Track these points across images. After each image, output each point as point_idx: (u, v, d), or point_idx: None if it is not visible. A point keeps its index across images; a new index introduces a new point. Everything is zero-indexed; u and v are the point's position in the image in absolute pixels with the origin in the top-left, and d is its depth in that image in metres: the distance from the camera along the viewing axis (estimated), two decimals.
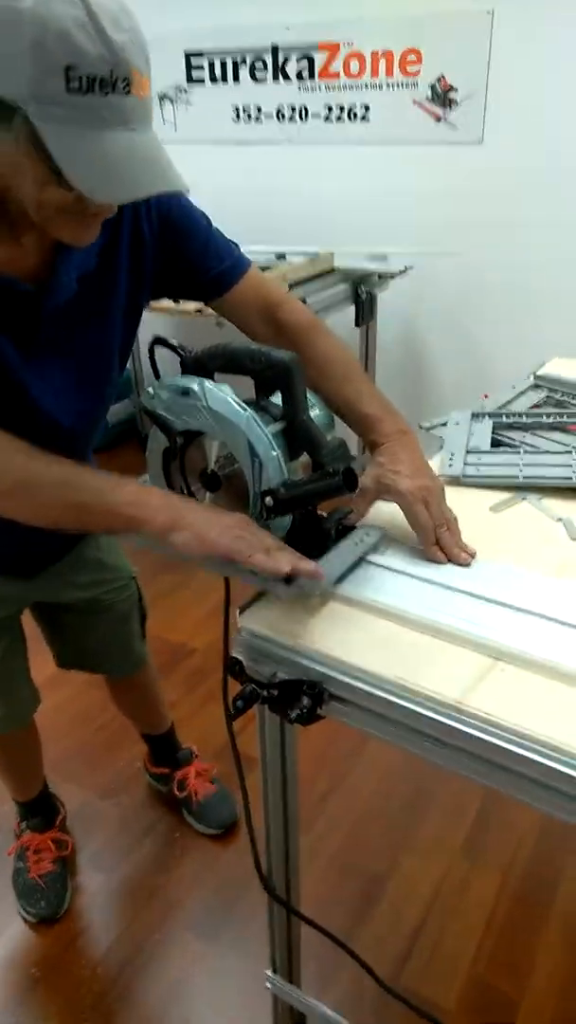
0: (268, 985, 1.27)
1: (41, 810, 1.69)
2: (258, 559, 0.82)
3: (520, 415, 1.28)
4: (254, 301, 1.07)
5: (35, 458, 0.87)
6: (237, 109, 2.94)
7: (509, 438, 1.23)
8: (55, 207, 0.78)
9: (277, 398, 0.89)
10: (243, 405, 0.84)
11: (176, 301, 2.31)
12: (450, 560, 0.94)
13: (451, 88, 2.51)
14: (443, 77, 2.51)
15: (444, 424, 1.27)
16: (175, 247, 1.02)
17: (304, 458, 0.89)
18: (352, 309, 2.69)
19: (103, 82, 0.71)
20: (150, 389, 0.90)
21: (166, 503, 0.86)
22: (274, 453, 0.84)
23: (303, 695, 0.81)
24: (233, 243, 1.08)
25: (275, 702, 0.84)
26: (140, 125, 0.75)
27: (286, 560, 0.82)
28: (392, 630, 0.85)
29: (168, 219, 1.01)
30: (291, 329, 1.06)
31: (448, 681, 0.77)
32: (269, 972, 1.26)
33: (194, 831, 1.75)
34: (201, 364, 0.90)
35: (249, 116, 2.93)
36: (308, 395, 0.89)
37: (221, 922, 1.57)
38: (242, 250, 1.09)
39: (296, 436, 0.87)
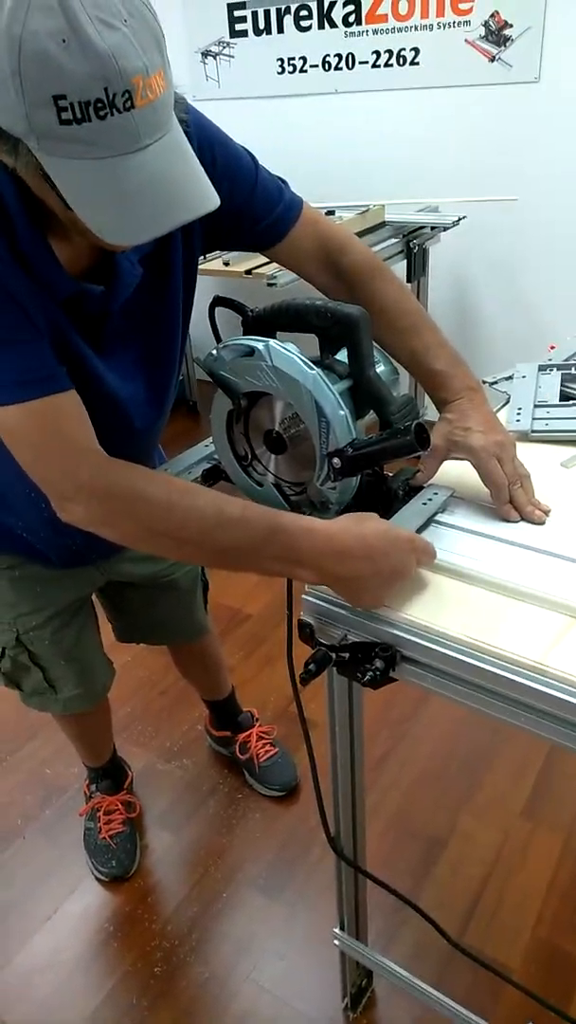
0: (336, 942, 1.29)
1: (110, 774, 1.72)
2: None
3: None
4: (311, 246, 1.00)
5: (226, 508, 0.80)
6: (282, 61, 2.85)
7: None
8: (85, 226, 0.72)
9: (341, 355, 0.86)
10: (309, 364, 0.82)
11: (227, 264, 2.29)
12: (523, 518, 0.91)
13: (506, 24, 2.39)
14: (497, 13, 2.38)
15: (509, 378, 1.23)
16: (220, 197, 0.97)
17: (371, 416, 0.87)
18: (403, 264, 2.62)
19: (99, 104, 0.62)
20: (213, 351, 0.88)
21: (312, 560, 0.79)
22: (342, 412, 0.82)
23: (375, 657, 0.79)
24: (281, 181, 1.00)
25: (346, 665, 0.83)
26: (153, 135, 0.67)
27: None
28: (464, 590, 0.83)
29: (212, 165, 0.91)
30: (353, 275, 0.99)
31: (526, 641, 0.75)
32: (336, 929, 1.28)
33: (256, 792, 1.77)
34: (264, 322, 0.87)
35: (294, 67, 2.84)
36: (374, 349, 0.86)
37: (285, 880, 1.59)
38: None
39: (363, 394, 0.85)
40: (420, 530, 0.90)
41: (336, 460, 0.83)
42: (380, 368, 0.88)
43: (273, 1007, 1.39)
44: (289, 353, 0.82)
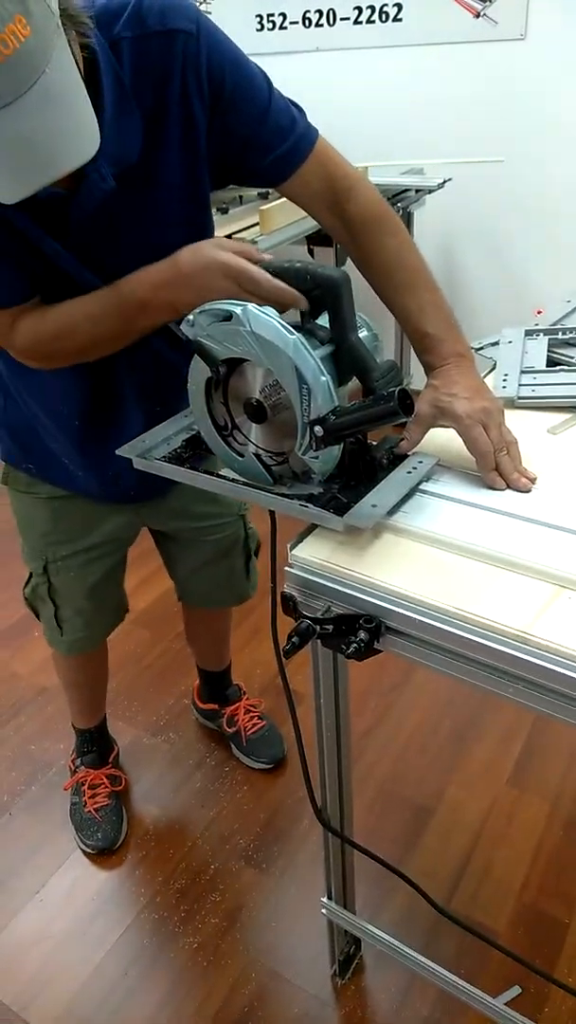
0: (323, 911, 1.30)
1: (97, 744, 1.72)
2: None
3: None
4: (320, 186, 0.96)
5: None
6: (260, 17, 2.77)
7: (566, 356, 1.16)
8: None
9: (323, 319, 0.83)
10: (290, 328, 0.79)
11: (240, 200, 2.21)
12: (509, 486, 0.89)
13: None
14: None
15: (495, 343, 1.21)
16: (228, 121, 0.90)
17: (354, 384, 0.84)
18: None
19: None
20: (189, 316, 0.84)
21: (153, 299, 0.87)
22: (323, 379, 0.79)
23: (360, 629, 0.78)
24: (296, 107, 0.95)
25: (330, 637, 0.81)
26: (14, 91, 0.65)
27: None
28: (449, 560, 0.81)
29: (221, 86, 0.88)
30: (357, 223, 0.96)
31: (511, 611, 0.73)
32: (324, 899, 1.28)
33: (243, 765, 1.77)
34: None
35: (273, 24, 2.75)
36: (356, 314, 0.83)
37: (274, 852, 1.60)
38: None
39: (345, 359, 0.82)
40: (405, 499, 0.88)
41: (318, 428, 0.80)
42: (363, 333, 0.85)
43: (263, 976, 1.40)
44: (268, 317, 0.79)
